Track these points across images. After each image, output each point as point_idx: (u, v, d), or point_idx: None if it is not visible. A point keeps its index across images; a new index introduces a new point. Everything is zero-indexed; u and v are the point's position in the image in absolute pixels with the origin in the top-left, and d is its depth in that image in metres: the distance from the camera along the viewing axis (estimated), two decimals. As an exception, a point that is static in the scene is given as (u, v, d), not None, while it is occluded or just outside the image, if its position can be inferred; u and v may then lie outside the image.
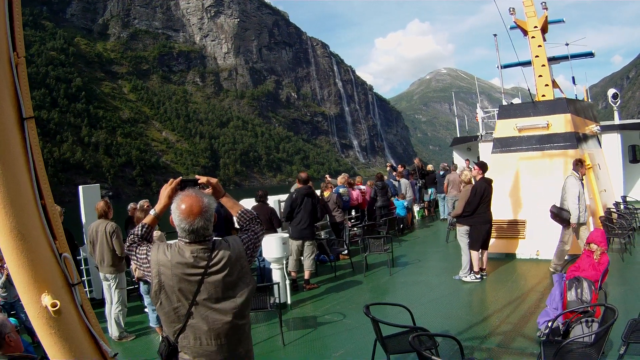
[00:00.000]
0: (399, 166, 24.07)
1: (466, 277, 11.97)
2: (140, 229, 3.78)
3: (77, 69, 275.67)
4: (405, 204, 20.18)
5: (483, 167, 12.33)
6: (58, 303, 2.64)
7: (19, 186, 2.64)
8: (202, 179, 3.93)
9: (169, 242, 3.75)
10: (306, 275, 12.31)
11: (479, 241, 11.87)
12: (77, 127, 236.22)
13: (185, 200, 3.49)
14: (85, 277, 11.87)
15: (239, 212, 4.09)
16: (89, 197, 11.61)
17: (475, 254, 11.90)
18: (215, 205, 3.68)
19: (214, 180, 3.99)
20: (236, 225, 4.03)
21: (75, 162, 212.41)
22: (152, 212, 3.87)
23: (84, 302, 2.95)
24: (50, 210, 2.83)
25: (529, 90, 17.29)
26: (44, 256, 2.73)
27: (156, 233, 8.31)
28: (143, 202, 11.68)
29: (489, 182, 12.00)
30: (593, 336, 5.94)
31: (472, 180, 12.32)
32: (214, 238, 3.68)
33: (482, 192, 11.74)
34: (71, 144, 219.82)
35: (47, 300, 2.65)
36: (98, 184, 13.10)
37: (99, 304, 10.47)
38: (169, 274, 3.43)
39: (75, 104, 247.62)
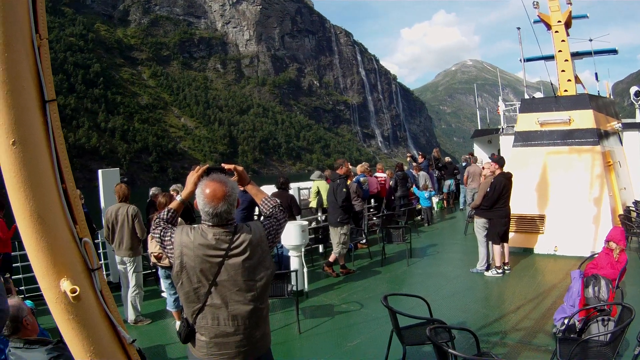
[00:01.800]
0: (420, 156, 24.00)
1: (487, 272, 11.95)
2: (166, 213, 3.91)
3: (96, 55, 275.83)
4: (427, 195, 20.09)
5: (500, 162, 12.28)
6: (77, 289, 2.63)
7: (39, 169, 2.63)
8: (229, 166, 4.06)
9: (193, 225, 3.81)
10: (331, 257, 12.41)
11: (498, 235, 11.82)
12: (93, 113, 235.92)
13: (209, 185, 3.59)
14: (102, 261, 11.98)
15: (263, 199, 4.24)
16: (108, 181, 11.66)
17: (497, 248, 11.85)
18: (239, 191, 3.81)
19: (240, 167, 4.15)
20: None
21: (91, 147, 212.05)
22: (178, 197, 3.99)
23: (103, 288, 2.94)
24: (71, 194, 2.82)
25: (551, 84, 17.20)
26: (63, 240, 2.71)
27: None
28: (175, 187, 11.78)
29: (508, 177, 11.93)
30: (609, 335, 5.91)
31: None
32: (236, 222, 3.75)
33: (501, 188, 11.69)
34: (87, 129, 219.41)
35: (66, 285, 2.63)
36: (117, 168, 13.13)
37: (116, 287, 10.52)
38: (191, 254, 3.52)
39: (93, 89, 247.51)
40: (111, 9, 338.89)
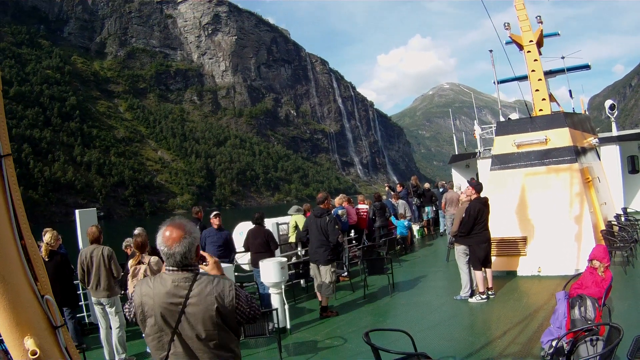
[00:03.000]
0: (398, 185, 24.05)
1: (471, 298, 11.85)
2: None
3: (73, 87, 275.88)
4: (406, 223, 20.10)
5: (477, 187, 12.30)
6: (38, 351, 2.53)
7: None
8: (205, 253, 3.98)
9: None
10: (323, 301, 11.80)
11: (479, 261, 11.76)
12: (69, 147, 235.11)
13: (168, 227, 3.58)
14: (83, 302, 11.84)
15: None
16: (85, 222, 11.60)
17: (479, 274, 11.79)
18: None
19: (213, 258, 4.01)
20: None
21: (67, 181, 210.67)
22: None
23: (69, 345, 2.84)
24: (31, 250, 2.71)
25: (525, 104, 17.32)
26: (25, 298, 2.62)
27: (154, 258, 8.32)
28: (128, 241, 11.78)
29: (483, 201, 11.93)
30: (598, 357, 5.83)
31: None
32: (202, 272, 3.70)
33: (476, 214, 11.67)
34: (63, 163, 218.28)
35: (29, 344, 2.55)
36: (94, 208, 13.11)
37: (98, 328, 10.36)
38: (151, 303, 3.50)
39: (69, 122, 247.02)
40: (88, 42, 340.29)
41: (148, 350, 8.82)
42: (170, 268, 3.57)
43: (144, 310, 3.50)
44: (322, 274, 11.62)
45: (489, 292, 11.94)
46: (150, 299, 3.50)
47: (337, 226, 11.82)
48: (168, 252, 3.50)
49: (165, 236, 3.52)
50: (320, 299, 11.84)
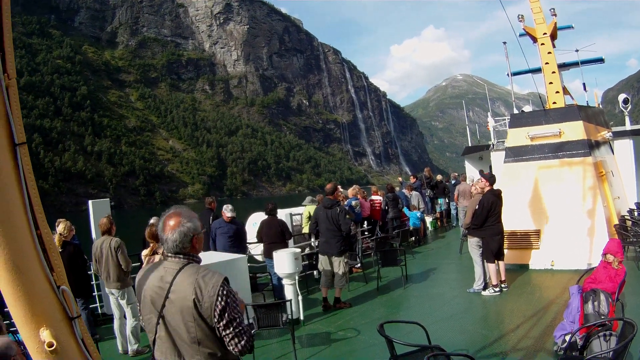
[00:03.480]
0: (411, 177, 23.99)
1: (484, 291, 11.78)
2: None
3: (84, 77, 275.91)
4: (418, 215, 20.00)
5: (491, 179, 12.20)
6: (54, 343, 2.52)
7: (12, 216, 2.52)
8: None
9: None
10: (336, 292, 11.71)
11: (492, 253, 11.71)
12: (80, 136, 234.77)
13: (169, 215, 3.68)
14: (96, 292, 11.80)
15: None
16: (98, 212, 11.62)
17: (492, 267, 11.71)
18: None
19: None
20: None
21: (77, 171, 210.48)
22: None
23: (85, 336, 2.83)
24: (47, 240, 2.69)
25: (540, 96, 17.20)
26: (41, 289, 2.61)
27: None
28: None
29: (497, 194, 11.86)
30: (611, 352, 5.79)
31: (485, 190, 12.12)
32: (198, 263, 3.71)
33: (489, 206, 11.59)
34: (73, 153, 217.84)
35: (45, 335, 2.53)
36: (107, 199, 13.08)
37: (111, 319, 10.36)
38: (143, 285, 3.63)
39: (80, 112, 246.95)
40: (99, 31, 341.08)
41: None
42: (167, 254, 3.65)
43: (140, 292, 3.63)
44: (335, 265, 11.53)
45: (502, 285, 11.87)
46: (144, 279, 3.63)
47: (348, 216, 11.74)
48: (163, 238, 3.59)
49: (164, 223, 3.61)
50: (325, 295, 11.75)
